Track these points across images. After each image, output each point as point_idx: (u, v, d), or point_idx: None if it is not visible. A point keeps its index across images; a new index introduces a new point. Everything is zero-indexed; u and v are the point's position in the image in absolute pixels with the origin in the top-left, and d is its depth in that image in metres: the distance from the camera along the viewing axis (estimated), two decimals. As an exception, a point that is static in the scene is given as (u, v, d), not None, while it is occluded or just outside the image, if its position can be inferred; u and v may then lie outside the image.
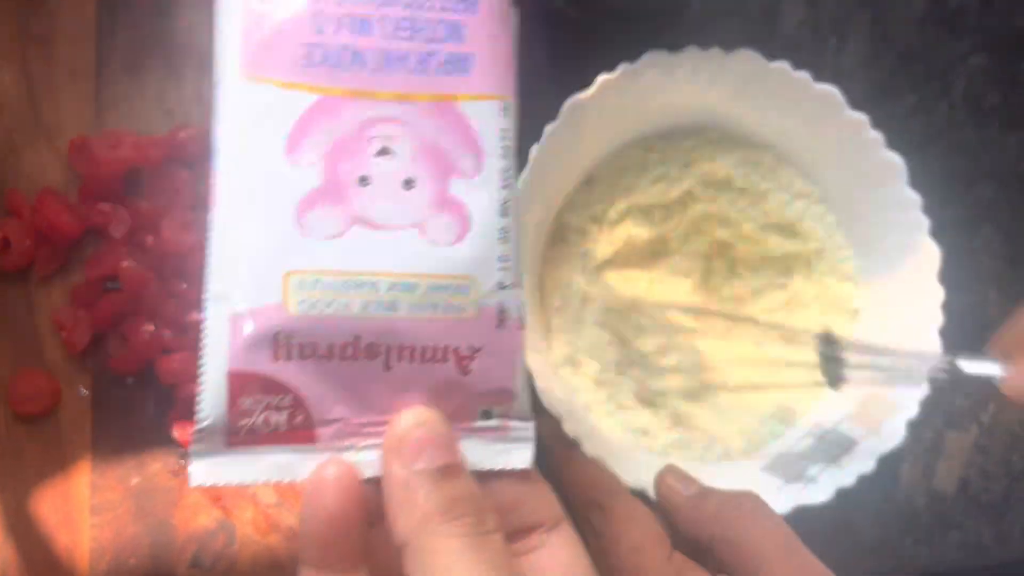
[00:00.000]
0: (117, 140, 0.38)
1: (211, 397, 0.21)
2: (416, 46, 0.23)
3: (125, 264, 0.37)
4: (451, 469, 0.21)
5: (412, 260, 0.22)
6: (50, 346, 0.37)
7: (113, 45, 0.41)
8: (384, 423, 0.22)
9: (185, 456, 0.37)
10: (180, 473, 0.37)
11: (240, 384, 0.21)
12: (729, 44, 0.35)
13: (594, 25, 0.41)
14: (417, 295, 0.22)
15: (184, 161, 0.39)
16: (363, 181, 0.22)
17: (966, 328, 0.34)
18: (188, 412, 0.37)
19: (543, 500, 0.23)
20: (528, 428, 0.23)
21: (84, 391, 0.37)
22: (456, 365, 0.22)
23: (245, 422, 0.21)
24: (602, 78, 0.34)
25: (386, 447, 0.21)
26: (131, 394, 0.37)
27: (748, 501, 0.28)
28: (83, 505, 0.36)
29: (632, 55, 0.35)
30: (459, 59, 0.23)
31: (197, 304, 0.37)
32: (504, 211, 0.23)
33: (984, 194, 0.44)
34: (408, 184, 0.23)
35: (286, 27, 0.23)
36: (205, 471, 0.21)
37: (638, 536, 0.27)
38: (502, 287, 0.23)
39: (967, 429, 0.41)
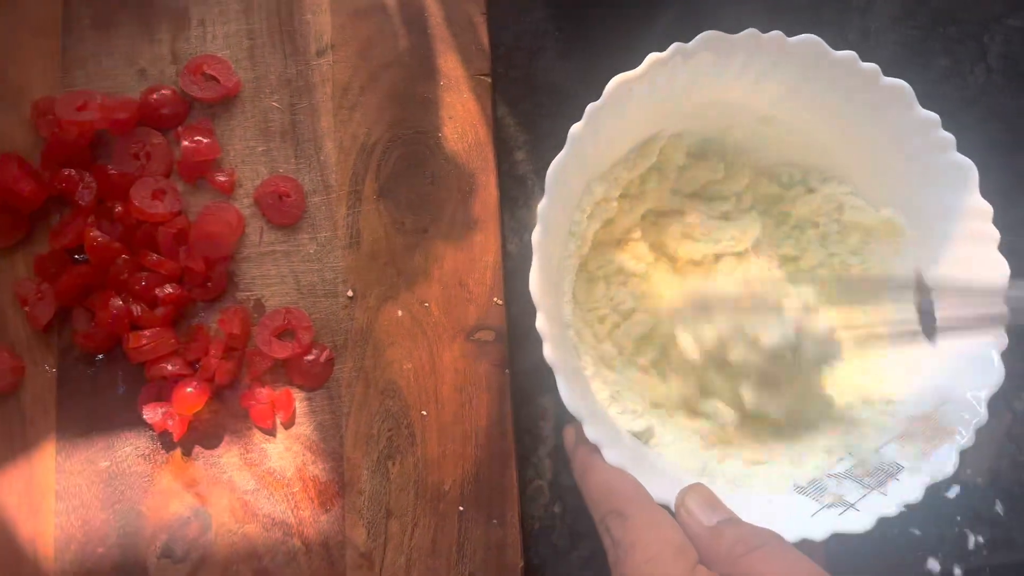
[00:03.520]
0: (84, 101, 0.35)
1: None
2: None
3: (92, 234, 0.34)
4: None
5: None
6: (12, 321, 0.35)
7: (81, -1, 0.38)
8: None
9: (156, 438, 0.35)
10: (152, 456, 0.35)
11: None
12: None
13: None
14: None
15: (156, 125, 0.37)
16: None
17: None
18: (159, 392, 0.35)
19: None
20: None
21: (49, 369, 0.35)
22: None
23: None
24: (652, 56, 0.30)
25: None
26: (99, 372, 0.35)
27: (763, 540, 0.26)
28: (47, 490, 0.34)
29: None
30: None
31: (168, 278, 0.35)
32: None
33: None
34: None
35: None
36: None
37: (656, 546, 0.25)
38: None
39: (999, 416, 0.38)
